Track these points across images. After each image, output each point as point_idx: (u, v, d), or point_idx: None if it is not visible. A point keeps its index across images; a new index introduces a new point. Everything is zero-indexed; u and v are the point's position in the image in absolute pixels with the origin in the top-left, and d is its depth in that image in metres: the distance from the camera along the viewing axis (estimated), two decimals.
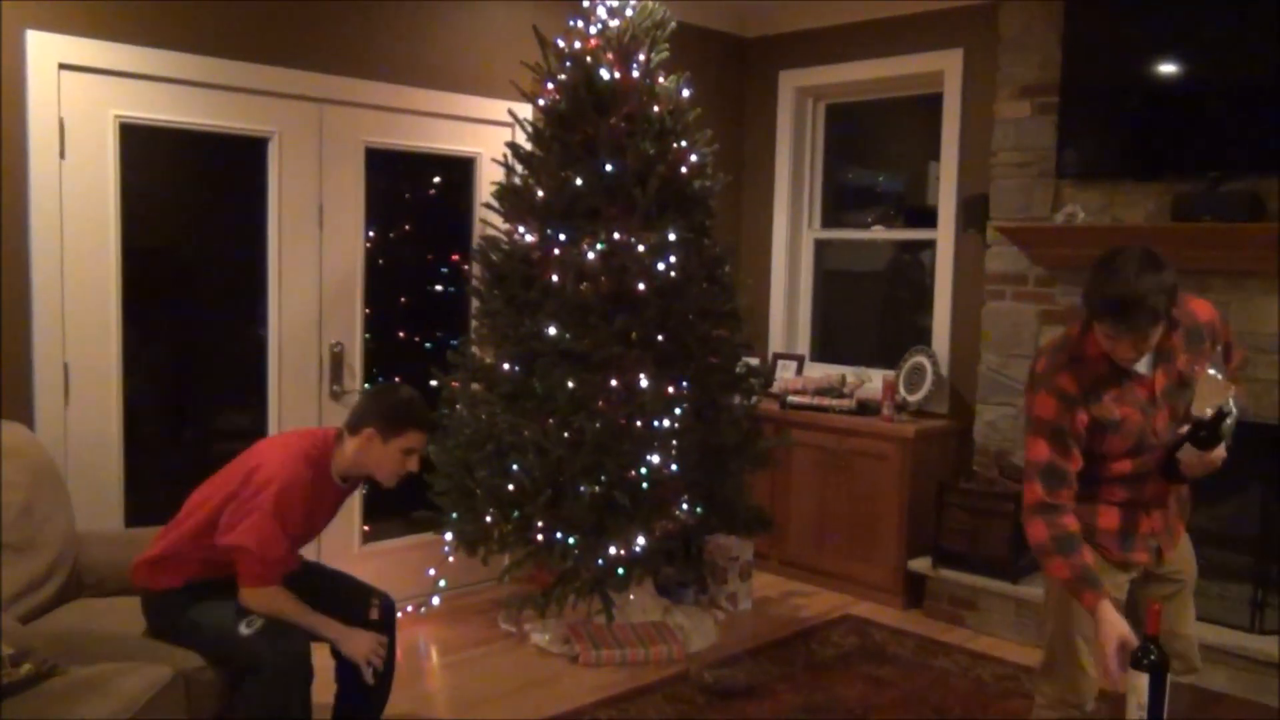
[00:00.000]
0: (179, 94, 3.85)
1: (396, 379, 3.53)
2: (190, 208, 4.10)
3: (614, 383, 3.90)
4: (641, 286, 3.93)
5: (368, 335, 4.47)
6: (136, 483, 3.88)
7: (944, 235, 5.14)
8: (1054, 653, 2.71)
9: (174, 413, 4.20)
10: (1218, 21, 4.03)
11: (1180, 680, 2.63)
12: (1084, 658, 2.64)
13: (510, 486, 3.94)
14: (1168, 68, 4.21)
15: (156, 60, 3.75)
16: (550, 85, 4.15)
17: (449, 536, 4.21)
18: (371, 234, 4.48)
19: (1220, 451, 2.49)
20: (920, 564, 4.73)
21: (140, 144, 3.80)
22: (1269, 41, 3.90)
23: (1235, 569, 4.05)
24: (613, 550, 3.94)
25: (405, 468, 2.97)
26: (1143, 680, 2.17)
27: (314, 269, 4.28)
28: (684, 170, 4.12)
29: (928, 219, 5.29)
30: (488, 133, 4.71)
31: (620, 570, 4.02)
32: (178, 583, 2.89)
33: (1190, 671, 2.75)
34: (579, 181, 3.97)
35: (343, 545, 4.37)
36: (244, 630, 2.79)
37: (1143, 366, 2.52)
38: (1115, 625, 2.36)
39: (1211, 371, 2.52)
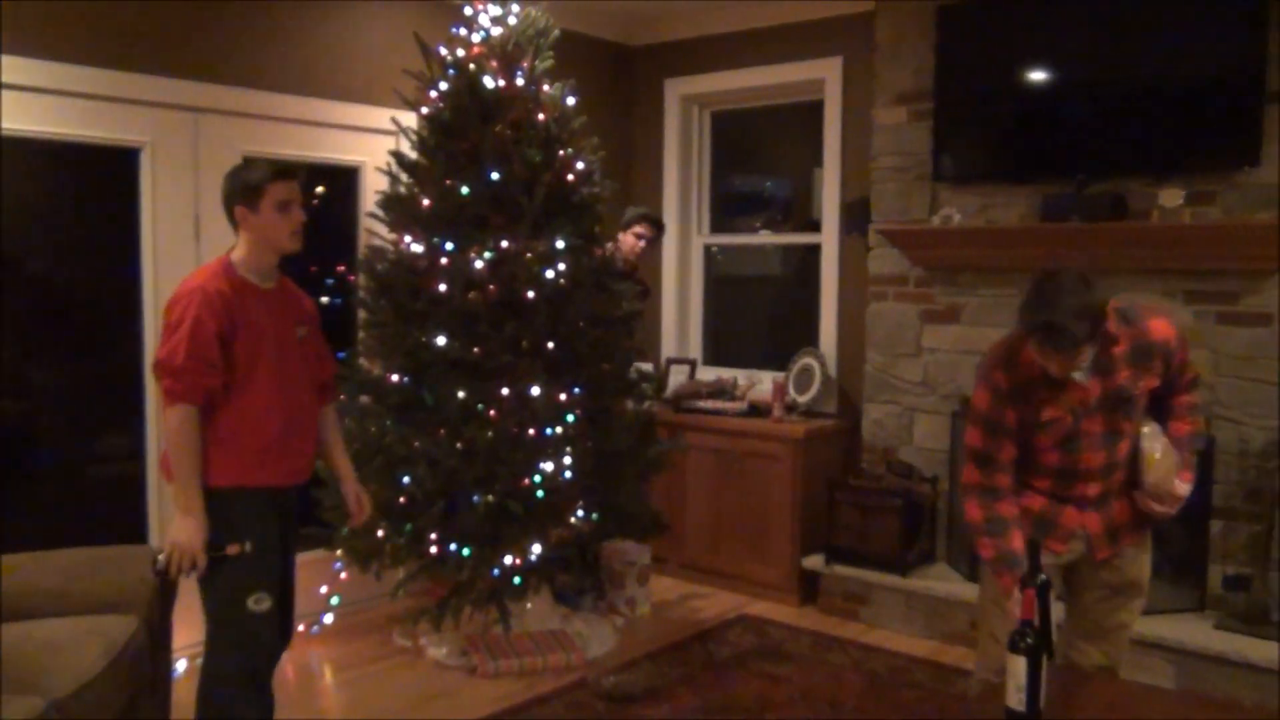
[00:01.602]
0: (44, 104, 3.69)
1: None
2: (59, 222, 3.93)
3: (505, 391, 3.87)
4: (531, 294, 3.91)
5: None
6: (5, 510, 3.70)
7: (828, 239, 5.26)
8: (978, 619, 2.96)
9: (46, 436, 4.03)
10: (1081, 30, 4.20)
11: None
12: (994, 626, 2.79)
13: (401, 499, 3.89)
14: (1035, 75, 4.38)
15: (19, 69, 3.60)
16: (434, 93, 4.11)
17: (340, 553, 4.13)
18: None
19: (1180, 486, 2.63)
20: (813, 561, 4.81)
21: (3, 156, 3.63)
22: (1128, 49, 4.09)
23: None
24: (508, 560, 3.92)
25: (292, 221, 2.87)
26: (1020, 663, 2.24)
27: None
28: (571, 177, 4.12)
29: (814, 223, 5.40)
30: (371, 141, 4.65)
31: (516, 579, 4.00)
32: (209, 480, 2.75)
33: (1111, 667, 2.85)
34: (465, 190, 3.95)
35: None
36: (251, 606, 2.73)
37: (1080, 375, 2.58)
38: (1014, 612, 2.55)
39: (1147, 445, 2.65)
